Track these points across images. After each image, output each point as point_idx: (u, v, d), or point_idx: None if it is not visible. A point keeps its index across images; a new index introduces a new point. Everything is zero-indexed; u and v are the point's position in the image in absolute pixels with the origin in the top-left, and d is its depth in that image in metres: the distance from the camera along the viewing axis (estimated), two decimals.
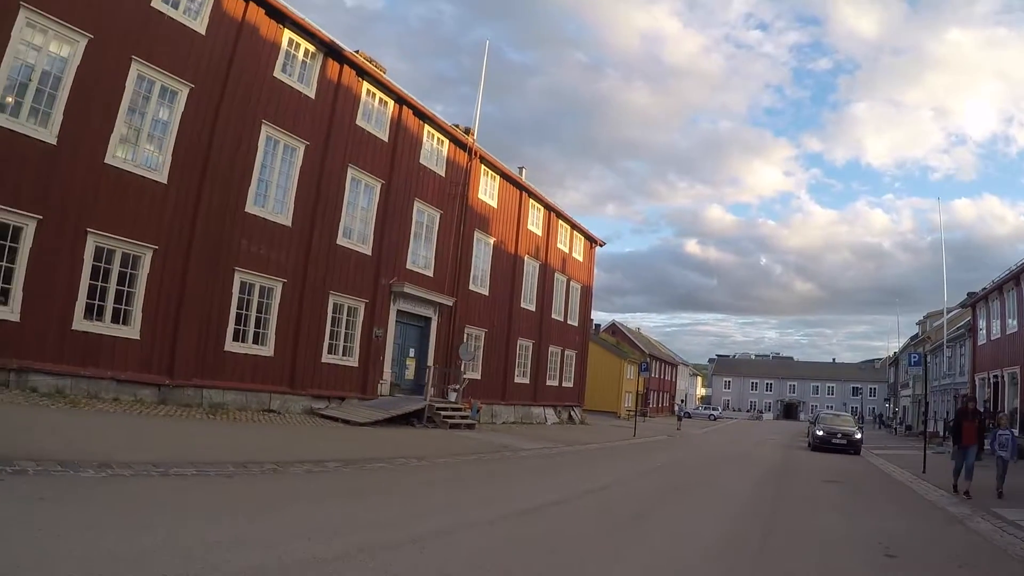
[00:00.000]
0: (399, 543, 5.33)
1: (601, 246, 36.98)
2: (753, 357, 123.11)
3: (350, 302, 18.51)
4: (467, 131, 25.99)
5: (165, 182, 14.04)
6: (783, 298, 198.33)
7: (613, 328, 71.68)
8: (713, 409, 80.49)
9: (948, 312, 36.77)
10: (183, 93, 14.32)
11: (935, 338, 39.01)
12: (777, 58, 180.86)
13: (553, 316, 31.03)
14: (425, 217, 21.66)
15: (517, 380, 27.38)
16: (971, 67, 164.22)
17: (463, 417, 19.29)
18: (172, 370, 14.18)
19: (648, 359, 65.03)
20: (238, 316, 15.61)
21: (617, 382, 52.87)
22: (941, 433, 30.19)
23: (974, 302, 31.04)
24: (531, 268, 28.86)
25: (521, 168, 30.14)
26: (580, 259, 34.55)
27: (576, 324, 33.92)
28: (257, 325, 16.07)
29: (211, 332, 14.98)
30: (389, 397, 19.02)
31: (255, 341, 16.00)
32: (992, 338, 27.79)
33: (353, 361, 18.55)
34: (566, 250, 32.69)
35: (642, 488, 10.91)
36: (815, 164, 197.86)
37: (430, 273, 21.74)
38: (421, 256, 21.51)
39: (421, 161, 21.61)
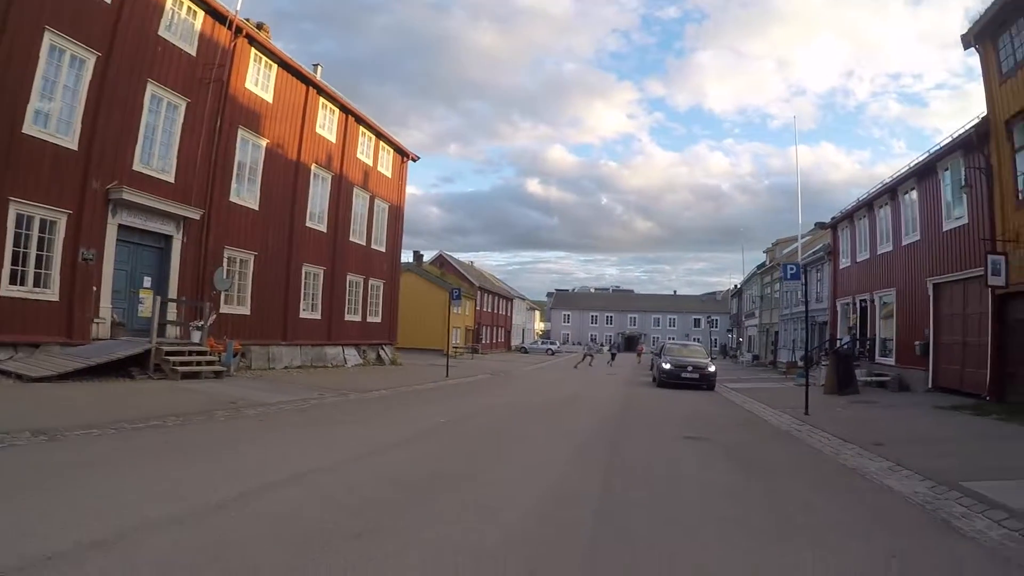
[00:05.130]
0: None
1: (414, 160, 34.48)
2: (593, 291, 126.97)
3: (44, 213, 14.93)
4: (259, 26, 22.44)
5: None
6: (624, 236, 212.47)
7: (441, 260, 69.98)
8: (551, 344, 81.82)
9: (802, 237, 38.06)
10: None
11: (782, 269, 40.39)
12: (626, 4, 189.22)
13: (352, 239, 28.47)
14: (164, 106, 18.12)
15: (304, 315, 24.76)
16: (815, 23, 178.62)
17: (210, 363, 16.55)
18: None
19: (477, 291, 64.25)
20: None
21: (444, 317, 51.32)
22: (800, 363, 30.71)
23: (836, 223, 31.11)
24: (320, 180, 25.93)
25: (316, 65, 26.99)
26: (388, 175, 31.97)
27: (383, 250, 31.59)
28: None
29: None
30: (109, 341, 15.82)
31: None
32: (858, 259, 27.84)
33: (52, 294, 15.10)
34: (369, 162, 29.96)
35: (347, 491, 6.39)
36: (658, 108, 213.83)
37: (170, 178, 18.33)
38: (157, 156, 18.02)
39: (162, 33, 17.95)
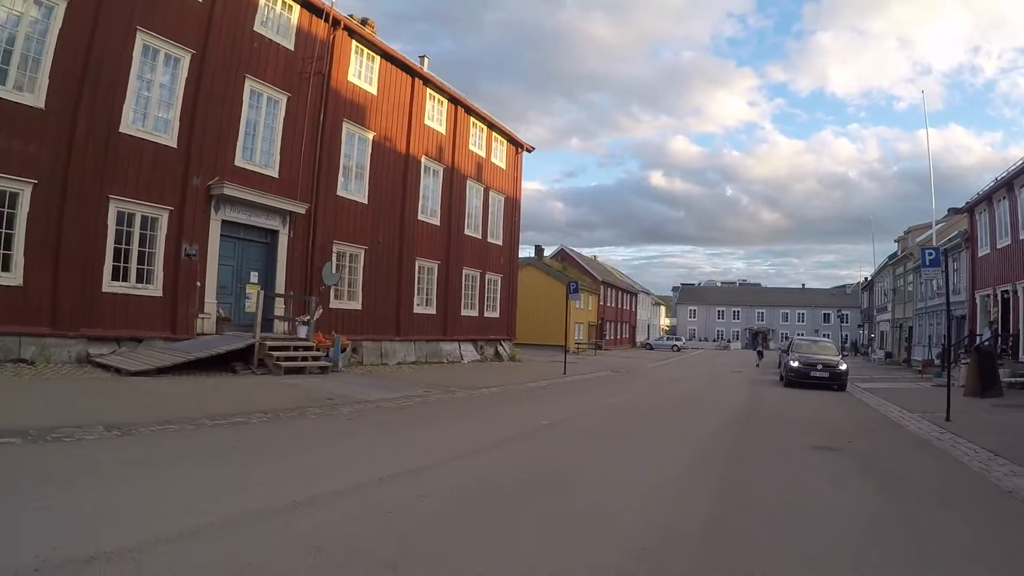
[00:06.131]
0: None
1: (529, 151, 33.30)
2: (719, 285, 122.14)
3: (145, 210, 14.67)
4: (364, 22, 21.95)
5: None
6: (750, 228, 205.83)
7: (562, 254, 68.61)
8: (677, 339, 78.86)
9: (936, 224, 34.14)
10: None
11: (919, 255, 36.35)
12: None
13: (467, 232, 27.53)
14: (264, 100, 17.68)
15: (417, 310, 23.94)
16: None
17: (316, 358, 15.81)
18: None
19: (600, 286, 62.47)
20: None
21: (565, 312, 49.92)
22: (936, 362, 27.66)
23: (972, 206, 27.55)
24: (432, 173, 25.11)
25: (422, 57, 26.24)
26: (502, 166, 30.87)
27: (500, 243, 30.48)
28: None
29: None
30: (213, 336, 15.39)
31: None
32: (999, 246, 24.41)
33: (155, 289, 14.84)
34: (482, 154, 28.94)
35: (413, 501, 5.48)
36: (779, 94, 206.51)
37: (274, 173, 17.86)
38: (259, 151, 17.58)
39: (257, 29, 17.55)
